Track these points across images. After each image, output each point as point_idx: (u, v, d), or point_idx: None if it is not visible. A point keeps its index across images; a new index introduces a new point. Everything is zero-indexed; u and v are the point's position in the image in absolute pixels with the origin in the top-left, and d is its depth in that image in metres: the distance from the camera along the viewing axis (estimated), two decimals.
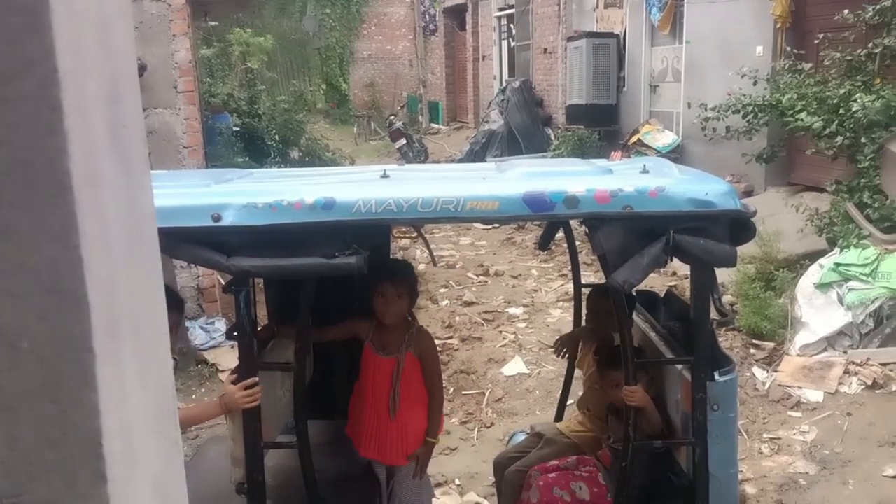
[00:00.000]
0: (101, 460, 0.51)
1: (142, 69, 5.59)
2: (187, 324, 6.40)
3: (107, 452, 0.51)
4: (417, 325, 2.99)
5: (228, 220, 2.14)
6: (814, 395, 5.31)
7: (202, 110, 7.73)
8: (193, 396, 5.87)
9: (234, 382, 2.37)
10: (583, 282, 3.43)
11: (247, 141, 10.21)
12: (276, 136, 10.94)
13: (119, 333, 0.55)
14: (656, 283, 6.93)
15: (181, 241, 2.12)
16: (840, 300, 5.84)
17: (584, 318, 3.28)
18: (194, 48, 7.22)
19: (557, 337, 3.36)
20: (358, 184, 2.47)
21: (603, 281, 2.39)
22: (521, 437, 3.42)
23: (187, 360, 6.07)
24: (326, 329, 2.94)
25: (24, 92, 0.45)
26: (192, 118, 6.29)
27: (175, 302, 2.86)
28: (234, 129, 10.06)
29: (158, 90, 5.91)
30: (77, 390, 0.49)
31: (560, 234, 3.49)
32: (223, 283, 5.16)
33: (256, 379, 2.32)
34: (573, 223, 3.45)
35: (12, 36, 0.45)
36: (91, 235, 0.50)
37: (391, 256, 3.73)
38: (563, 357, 3.27)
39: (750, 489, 4.32)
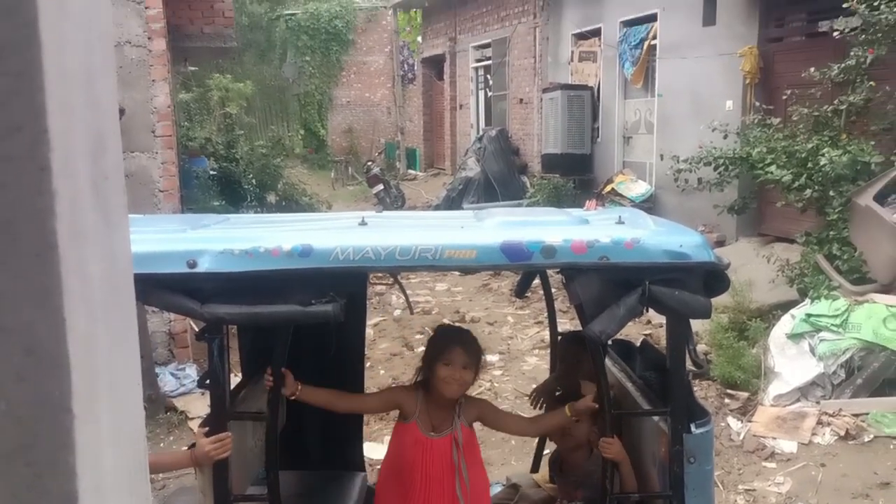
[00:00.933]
0: None
1: (120, 113, 5.59)
2: (157, 369, 6.28)
3: None
4: (467, 395, 2.78)
5: (204, 266, 2.12)
6: (788, 445, 5.32)
7: (179, 154, 7.72)
8: (161, 444, 5.73)
9: (206, 435, 2.32)
10: (559, 329, 3.44)
11: (223, 185, 10.19)
12: (254, 181, 10.93)
13: (97, 391, 0.54)
14: (632, 331, 6.96)
15: (155, 288, 2.10)
16: (812, 350, 5.90)
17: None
18: (173, 93, 7.25)
19: (533, 387, 3.34)
20: (336, 231, 2.47)
21: (579, 328, 2.40)
22: (497, 489, 3.38)
23: (156, 407, 5.93)
24: (362, 399, 2.83)
25: (13, 152, 0.45)
26: (169, 162, 6.28)
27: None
28: (211, 172, 10.05)
29: (136, 134, 5.91)
30: (54, 452, 0.48)
31: (536, 282, 3.50)
32: (195, 328, 5.09)
33: (228, 433, 2.26)
34: (550, 271, 3.47)
35: (2, 98, 0.45)
36: (73, 293, 0.49)
37: (366, 304, 3.71)
38: (538, 408, 3.25)
39: None
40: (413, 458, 2.64)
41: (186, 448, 2.88)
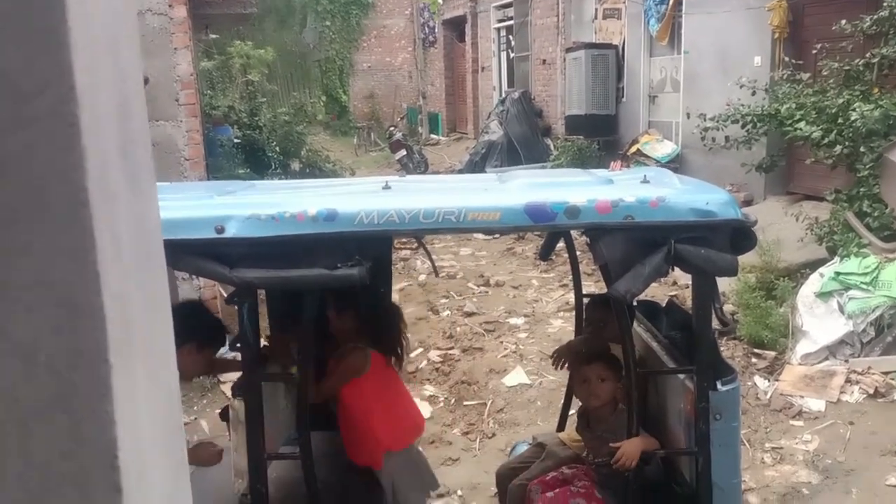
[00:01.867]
0: (115, 472, 0.51)
1: (144, 81, 5.62)
2: None
3: (121, 464, 0.51)
4: (360, 345, 2.95)
5: (231, 231, 2.15)
6: (815, 403, 5.30)
7: (203, 122, 7.76)
8: (195, 408, 5.87)
9: (235, 394, 2.38)
10: (584, 291, 3.44)
11: (247, 153, 10.25)
12: (277, 148, 10.97)
13: (132, 346, 0.55)
14: (657, 292, 6.94)
15: (184, 253, 2.13)
16: (841, 309, 5.84)
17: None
18: (195, 61, 7.26)
19: (555, 348, 3.35)
20: (360, 195, 2.48)
21: (604, 290, 2.40)
22: (523, 448, 3.42)
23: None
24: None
25: (42, 110, 0.46)
26: (193, 130, 6.32)
27: (223, 335, 2.88)
28: (235, 141, 10.10)
29: (160, 103, 5.94)
30: (92, 402, 0.50)
31: (561, 244, 3.49)
32: (224, 294, 5.16)
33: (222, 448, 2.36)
34: (574, 233, 3.46)
35: (30, 54, 0.46)
36: (106, 250, 0.50)
37: (391, 268, 3.74)
38: (560, 368, 3.27)
39: (753, 499, 4.31)
40: None
41: (218, 412, 2.97)
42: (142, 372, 0.58)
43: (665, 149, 10.89)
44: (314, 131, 17.50)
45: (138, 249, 0.65)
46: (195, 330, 2.68)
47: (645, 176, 2.45)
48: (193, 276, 6.16)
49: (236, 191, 2.57)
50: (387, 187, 2.43)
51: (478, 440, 5.27)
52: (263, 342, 2.94)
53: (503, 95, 16.08)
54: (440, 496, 4.46)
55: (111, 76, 0.62)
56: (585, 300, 3.40)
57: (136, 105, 0.71)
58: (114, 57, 0.64)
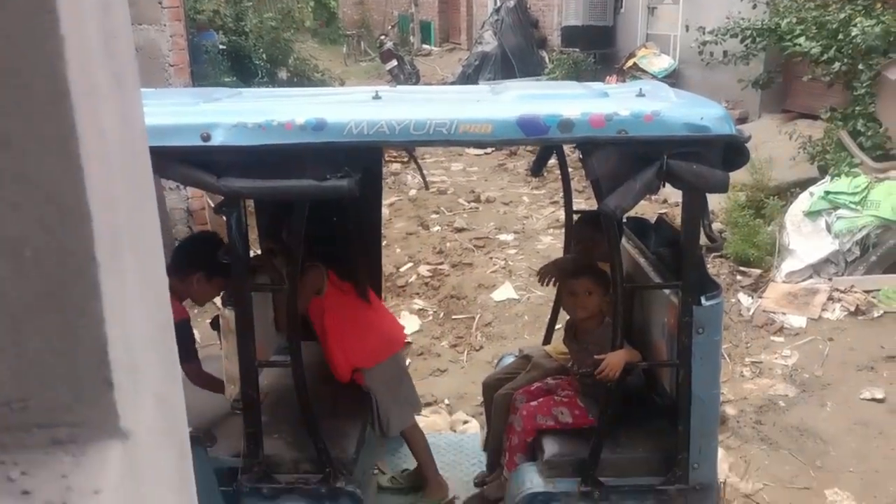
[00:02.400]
0: (107, 368, 0.52)
1: None
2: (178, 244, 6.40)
3: (112, 361, 0.52)
4: (311, 266, 2.93)
5: (218, 139, 2.11)
6: (797, 320, 5.42)
7: (187, 27, 7.51)
8: None
9: (226, 304, 2.40)
10: (574, 208, 3.44)
11: (233, 60, 9.99)
12: (264, 56, 10.69)
13: (120, 245, 0.55)
14: (647, 210, 6.96)
15: (171, 161, 2.10)
16: (828, 228, 5.90)
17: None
18: None
19: (542, 265, 3.37)
20: (349, 105, 2.43)
21: (594, 208, 2.40)
22: (509, 360, 3.49)
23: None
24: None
25: None
26: (177, 35, 6.12)
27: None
28: (221, 47, 9.82)
29: (143, 5, 5.73)
30: (81, 299, 0.50)
31: (552, 161, 3.47)
32: (213, 204, 5.13)
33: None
34: (566, 149, 3.43)
35: None
36: (89, 146, 0.49)
37: (382, 181, 3.72)
38: (546, 285, 3.29)
39: (730, 410, 4.46)
40: None
41: (209, 321, 3.00)
42: (130, 271, 0.58)
43: (662, 63, 10.70)
44: (302, 39, 17.01)
45: (123, 147, 0.64)
46: (205, 259, 2.69)
47: (640, 89, 2.41)
48: (181, 186, 6.11)
49: (222, 98, 2.51)
50: (377, 97, 2.38)
51: (465, 352, 5.39)
52: (253, 252, 2.94)
53: (498, 4, 15.62)
54: (428, 405, 4.59)
55: None
56: (576, 217, 3.40)
57: (116, 1, 0.68)
58: None
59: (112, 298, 0.51)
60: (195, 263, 2.73)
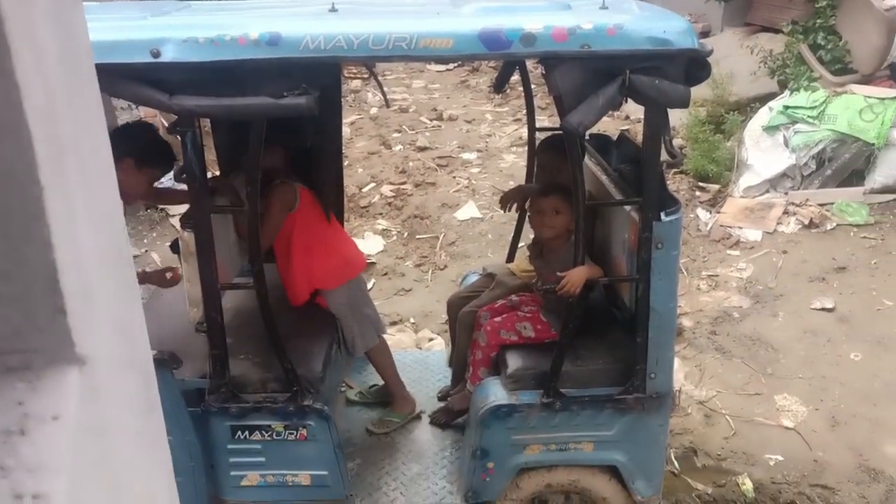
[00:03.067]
0: (58, 294, 0.50)
1: None
2: None
3: (64, 287, 0.50)
4: (283, 181, 2.88)
5: (168, 55, 2.03)
6: (753, 234, 5.55)
7: None
8: (145, 241, 5.85)
9: (185, 226, 2.36)
10: (537, 125, 3.41)
11: None
12: None
13: (65, 167, 0.53)
14: (609, 126, 6.95)
15: (119, 78, 2.02)
16: (786, 142, 5.98)
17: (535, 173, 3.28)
18: None
19: (505, 190, 3.36)
20: (305, 18, 2.34)
21: (557, 125, 2.38)
22: (473, 278, 3.53)
23: (135, 206, 5.97)
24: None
25: None
26: None
27: (167, 160, 2.76)
28: None
29: None
30: (26, 224, 0.48)
31: (515, 77, 3.41)
32: (167, 124, 4.98)
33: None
34: (529, 65, 3.37)
35: None
36: (25, 61, 0.46)
37: (341, 99, 3.63)
38: (508, 210, 3.30)
39: (687, 322, 4.61)
40: None
41: (168, 244, 2.95)
42: (78, 195, 0.56)
43: None
44: None
45: (65, 64, 0.60)
46: (135, 146, 2.60)
47: (603, 1, 2.36)
48: (132, 105, 5.91)
49: (172, 11, 2.40)
50: (333, 10, 2.30)
51: (430, 272, 5.43)
52: (211, 174, 2.88)
53: None
54: (393, 323, 4.64)
55: None
56: (538, 134, 3.38)
57: None
58: None
59: (60, 222, 0.49)
60: (124, 150, 2.56)
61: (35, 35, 0.49)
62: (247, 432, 2.59)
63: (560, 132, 2.29)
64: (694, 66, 2.20)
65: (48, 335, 0.51)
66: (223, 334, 2.44)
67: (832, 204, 5.76)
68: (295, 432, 2.60)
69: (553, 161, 2.98)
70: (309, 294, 3.04)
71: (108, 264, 0.70)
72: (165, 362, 2.44)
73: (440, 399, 3.32)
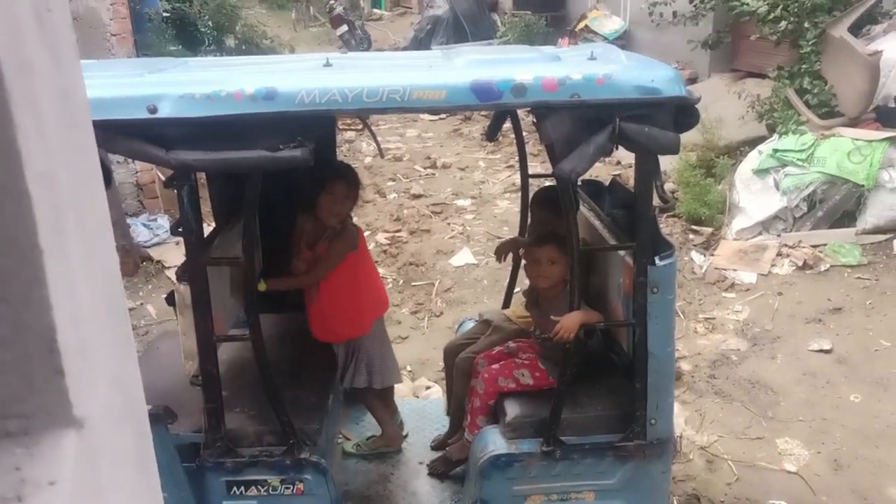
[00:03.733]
0: (56, 355, 0.50)
1: None
2: (128, 221, 6.26)
3: (62, 347, 0.50)
4: (350, 223, 3.03)
5: (165, 111, 2.05)
6: (748, 276, 5.57)
7: None
8: (141, 293, 5.83)
9: (181, 279, 2.36)
10: (530, 172, 3.45)
11: (178, 28, 9.69)
12: (210, 23, 10.39)
13: (64, 228, 0.53)
14: (601, 172, 7.02)
15: (117, 135, 2.04)
16: (776, 185, 6.04)
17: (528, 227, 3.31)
18: None
19: (492, 245, 3.41)
20: (300, 73, 2.39)
21: (549, 172, 2.41)
22: (469, 325, 3.52)
23: (132, 258, 5.97)
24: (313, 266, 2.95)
25: None
26: (118, 3, 5.92)
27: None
28: (164, 14, 9.51)
29: None
30: (26, 287, 0.48)
31: (507, 125, 3.46)
32: (163, 178, 5.01)
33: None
34: (521, 113, 3.42)
35: None
36: (26, 127, 0.47)
37: (336, 150, 3.68)
38: (503, 260, 3.37)
39: (685, 366, 4.58)
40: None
41: (164, 296, 2.95)
42: (77, 254, 0.56)
43: (613, 25, 10.73)
44: (249, 4, 16.59)
45: (63, 125, 0.62)
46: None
47: (592, 52, 2.41)
48: (129, 160, 5.96)
49: (168, 68, 2.44)
50: (328, 65, 2.35)
51: (426, 319, 5.41)
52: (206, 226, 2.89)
53: None
54: None
55: None
56: (532, 181, 3.42)
57: None
58: None
59: (58, 283, 0.50)
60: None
61: (36, 101, 0.51)
62: (242, 487, 2.54)
63: (552, 184, 2.33)
64: (683, 113, 2.24)
65: (46, 397, 0.51)
66: (219, 387, 2.42)
67: (825, 245, 5.79)
68: (292, 486, 2.55)
69: (546, 215, 3.01)
70: (370, 324, 3.08)
71: (104, 320, 0.70)
72: (160, 417, 2.42)
73: (434, 448, 3.27)
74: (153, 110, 2.05)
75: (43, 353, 0.49)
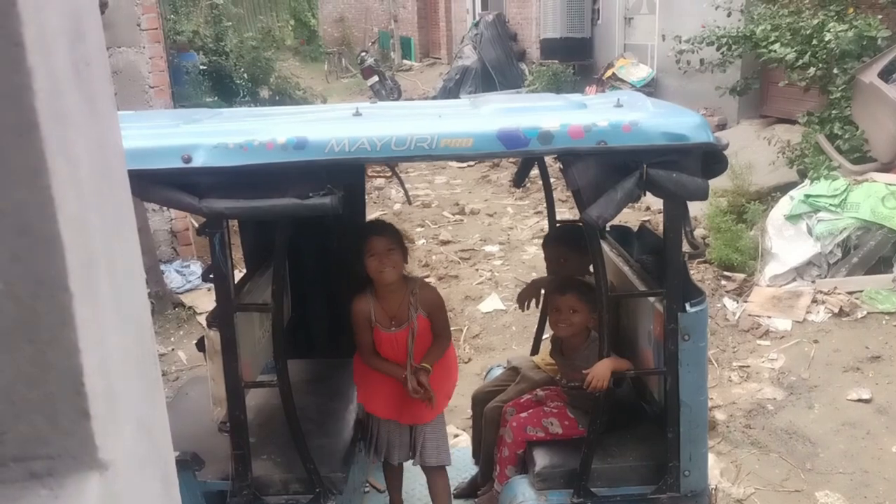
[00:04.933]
0: (83, 398, 0.51)
1: (103, 6, 5.40)
2: (162, 267, 6.37)
3: (88, 390, 0.51)
4: (419, 280, 2.93)
5: (199, 161, 2.10)
6: (782, 323, 5.45)
7: (167, 49, 7.51)
8: (172, 339, 5.89)
9: (211, 325, 2.38)
10: (558, 218, 3.45)
11: (214, 80, 9.99)
12: (245, 75, 10.70)
13: (94, 273, 0.54)
14: (630, 217, 7.00)
15: (152, 184, 2.09)
16: (809, 231, 5.95)
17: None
18: None
19: (519, 290, 3.36)
20: (330, 122, 2.43)
21: (576, 218, 2.41)
22: (498, 372, 3.49)
23: (164, 304, 6.05)
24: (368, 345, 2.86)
25: None
26: (157, 57, 6.12)
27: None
28: (201, 67, 9.82)
29: (121, 28, 5.72)
30: (55, 329, 0.49)
31: (535, 171, 3.48)
32: (196, 225, 5.11)
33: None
34: (548, 159, 3.44)
35: None
36: (60, 175, 0.49)
37: (365, 197, 3.72)
38: (526, 309, 3.28)
39: (720, 415, 4.47)
40: (383, 351, 2.83)
41: (195, 342, 2.97)
42: (107, 299, 0.58)
43: (640, 73, 10.80)
44: (283, 57, 17.04)
45: (98, 173, 0.64)
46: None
47: (618, 100, 2.43)
48: (164, 208, 6.09)
49: (203, 119, 2.51)
50: (357, 114, 2.39)
51: None
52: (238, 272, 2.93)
53: (477, 18, 15.73)
54: None
55: None
56: (543, 240, 3.42)
57: (89, 23, 0.68)
58: None
59: (87, 327, 0.51)
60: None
61: (70, 149, 0.53)
62: None
63: (563, 223, 2.31)
64: (710, 159, 2.24)
65: (72, 439, 0.51)
66: (246, 434, 2.42)
67: (861, 292, 5.67)
68: None
69: (557, 252, 3.01)
70: (447, 401, 2.95)
71: (133, 365, 0.71)
72: (188, 463, 2.42)
73: (457, 496, 3.21)
74: (187, 160, 2.10)
75: (69, 395, 0.50)
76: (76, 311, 0.50)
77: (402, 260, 2.77)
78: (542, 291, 3.24)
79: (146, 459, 0.73)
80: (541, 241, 7.39)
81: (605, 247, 2.90)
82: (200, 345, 2.71)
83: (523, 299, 3.24)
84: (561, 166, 2.29)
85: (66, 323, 0.49)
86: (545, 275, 3.48)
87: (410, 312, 2.78)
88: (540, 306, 3.39)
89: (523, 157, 3.23)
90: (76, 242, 0.50)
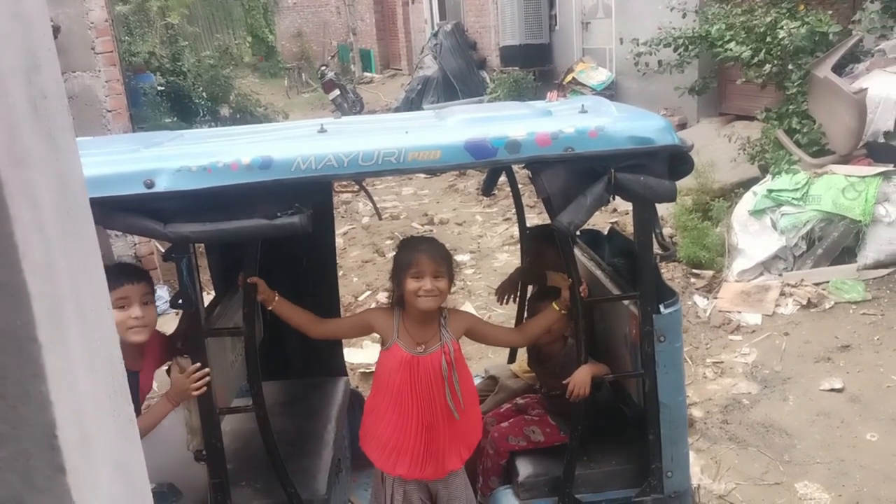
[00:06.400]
0: (57, 452, 0.49)
1: (56, 31, 5.30)
2: None
3: (62, 443, 0.49)
4: (448, 307, 2.64)
5: (162, 185, 2.06)
6: (752, 318, 5.52)
7: (123, 71, 7.40)
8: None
9: (182, 350, 2.33)
10: (527, 224, 3.46)
11: (173, 101, 9.87)
12: (204, 94, 10.59)
13: (63, 319, 0.52)
14: (599, 220, 7.05)
15: (114, 211, 2.04)
16: (774, 225, 6.05)
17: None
18: (109, 5, 6.87)
19: (498, 286, 3.37)
20: (295, 140, 2.40)
21: (546, 222, 2.41)
22: (476, 382, 3.47)
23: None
24: (336, 323, 2.76)
25: None
26: (113, 80, 6.02)
27: (141, 273, 2.59)
28: (159, 88, 9.69)
29: (75, 52, 5.62)
30: (25, 382, 0.47)
31: (503, 179, 3.49)
32: (162, 250, 5.02)
33: (199, 364, 2.25)
34: (515, 166, 3.45)
35: None
36: (23, 220, 0.47)
37: (333, 213, 3.68)
38: (505, 303, 3.29)
39: (697, 412, 4.51)
40: (402, 379, 2.49)
41: (166, 370, 2.91)
42: (77, 344, 0.55)
43: (600, 76, 10.92)
44: (242, 74, 16.94)
45: (61, 212, 0.61)
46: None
47: (583, 106, 2.44)
48: (126, 234, 5.97)
49: (164, 142, 2.46)
50: (322, 130, 2.37)
51: None
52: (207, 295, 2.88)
53: (436, 28, 15.79)
54: None
55: (11, 26, 0.56)
56: (527, 233, 3.42)
57: (44, 56, 0.65)
58: (14, 5, 0.58)
59: (58, 377, 0.48)
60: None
61: (32, 191, 0.50)
62: None
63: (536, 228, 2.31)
64: (676, 161, 2.26)
65: (47, 496, 0.49)
66: (223, 462, 2.37)
67: (827, 282, 5.77)
68: None
69: (537, 248, 3.04)
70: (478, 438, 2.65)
71: (106, 406, 0.68)
72: (165, 495, 2.36)
73: None
74: (150, 185, 2.05)
75: (44, 451, 0.48)
76: (45, 362, 0.47)
77: (447, 289, 2.51)
78: (520, 284, 3.24)
79: (124, 497, 0.71)
80: (511, 247, 7.42)
81: (577, 252, 2.91)
82: (170, 372, 2.65)
83: (502, 293, 3.22)
84: (530, 174, 2.29)
85: (36, 375, 0.47)
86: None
87: (442, 336, 2.52)
88: (516, 316, 3.39)
89: (492, 167, 3.24)
90: (42, 290, 0.48)
